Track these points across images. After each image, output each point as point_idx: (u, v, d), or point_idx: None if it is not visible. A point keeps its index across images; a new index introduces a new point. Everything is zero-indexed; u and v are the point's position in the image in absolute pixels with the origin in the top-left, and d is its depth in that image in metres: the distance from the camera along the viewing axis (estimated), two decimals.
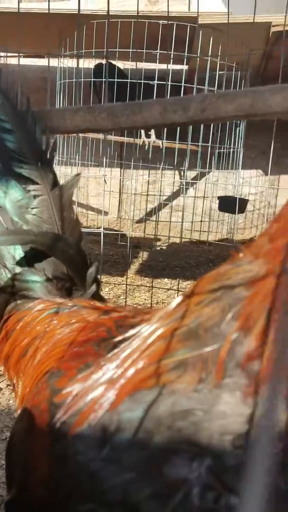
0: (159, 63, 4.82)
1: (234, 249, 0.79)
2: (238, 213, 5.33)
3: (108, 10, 2.39)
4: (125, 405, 0.74)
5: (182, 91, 4.65)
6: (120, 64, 5.42)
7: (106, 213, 6.20)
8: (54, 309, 1.09)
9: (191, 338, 0.74)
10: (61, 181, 1.16)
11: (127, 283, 3.98)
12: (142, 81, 4.73)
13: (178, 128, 5.12)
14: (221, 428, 0.68)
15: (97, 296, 1.21)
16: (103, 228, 3.15)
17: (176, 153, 5.31)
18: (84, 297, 1.19)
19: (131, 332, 0.84)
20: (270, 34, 3.96)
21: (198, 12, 3.54)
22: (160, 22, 3.90)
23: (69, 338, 0.97)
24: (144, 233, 5.63)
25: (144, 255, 5.21)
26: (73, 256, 1.18)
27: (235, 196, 5.08)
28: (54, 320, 1.05)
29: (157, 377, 0.74)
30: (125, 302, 3.59)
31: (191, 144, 5.13)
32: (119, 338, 0.87)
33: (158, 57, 4.77)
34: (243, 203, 5.33)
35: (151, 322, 0.80)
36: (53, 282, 1.18)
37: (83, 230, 1.22)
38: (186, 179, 5.59)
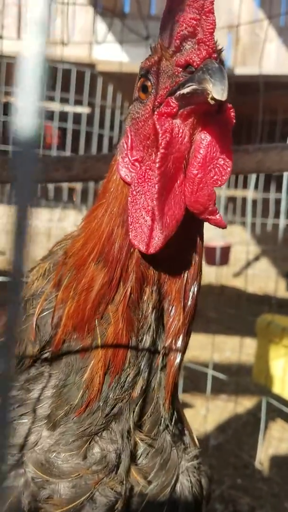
0: (60, 102, 4.82)
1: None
2: None
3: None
4: None
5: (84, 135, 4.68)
6: None
7: (2, 254, 5.93)
8: None
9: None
10: None
11: None
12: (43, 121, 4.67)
13: None
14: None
15: None
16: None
17: (81, 192, 5.29)
18: None
19: None
20: None
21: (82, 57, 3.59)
22: (58, 66, 3.90)
23: None
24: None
25: None
26: None
27: None
28: None
29: None
30: None
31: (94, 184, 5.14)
32: None
33: (59, 99, 4.76)
34: None
35: None
36: None
37: None
38: None
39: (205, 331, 3.75)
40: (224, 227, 0.67)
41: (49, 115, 4.77)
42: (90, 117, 4.77)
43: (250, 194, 3.93)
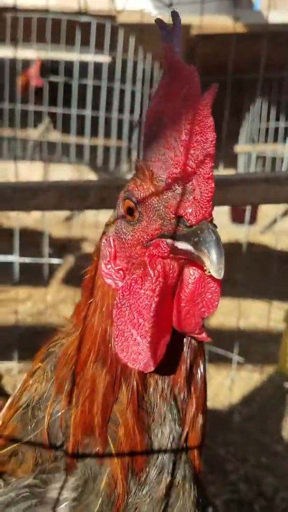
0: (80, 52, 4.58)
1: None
2: None
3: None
4: None
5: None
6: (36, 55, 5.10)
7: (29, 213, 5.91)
8: None
9: (24, 420, 0.74)
10: None
11: (51, 296, 3.81)
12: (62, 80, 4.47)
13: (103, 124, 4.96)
14: None
15: None
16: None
17: (102, 148, 5.14)
18: None
19: None
20: (191, 35, 3.86)
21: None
22: (78, 19, 3.65)
23: None
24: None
25: (71, 259, 5.01)
26: None
27: None
28: None
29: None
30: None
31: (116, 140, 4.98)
32: None
33: (79, 50, 4.53)
34: None
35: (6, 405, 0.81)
36: None
37: None
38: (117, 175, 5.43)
39: (231, 295, 3.69)
40: (207, 341, 0.67)
41: (69, 68, 4.55)
42: (111, 71, 4.51)
43: (285, 150, 3.74)
